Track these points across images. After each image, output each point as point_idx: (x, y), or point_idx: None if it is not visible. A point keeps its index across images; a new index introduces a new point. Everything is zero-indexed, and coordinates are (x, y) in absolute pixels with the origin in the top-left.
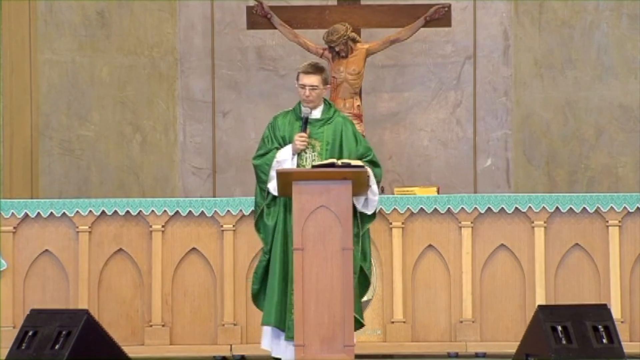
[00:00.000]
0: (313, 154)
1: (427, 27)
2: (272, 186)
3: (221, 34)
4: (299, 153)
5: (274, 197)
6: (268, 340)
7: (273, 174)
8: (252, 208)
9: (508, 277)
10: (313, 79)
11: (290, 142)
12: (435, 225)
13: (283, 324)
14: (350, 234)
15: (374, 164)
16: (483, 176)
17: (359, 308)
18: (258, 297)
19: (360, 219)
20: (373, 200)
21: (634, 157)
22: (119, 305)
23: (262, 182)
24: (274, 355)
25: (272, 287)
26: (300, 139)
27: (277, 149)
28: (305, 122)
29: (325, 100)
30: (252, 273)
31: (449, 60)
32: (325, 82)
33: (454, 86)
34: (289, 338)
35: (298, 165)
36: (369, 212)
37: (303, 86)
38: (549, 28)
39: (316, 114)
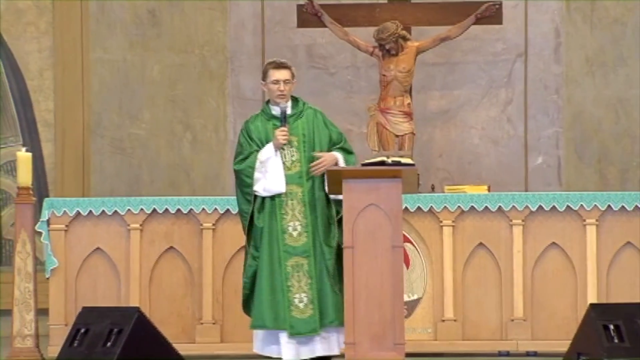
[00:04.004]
0: (291, 149)
1: (478, 24)
2: (261, 187)
3: (271, 32)
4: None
5: (262, 200)
6: (260, 343)
7: (258, 175)
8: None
9: (559, 276)
10: (285, 73)
11: (267, 143)
12: (486, 223)
13: (278, 323)
14: (401, 232)
15: (347, 151)
16: (534, 174)
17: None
18: (248, 302)
19: (335, 203)
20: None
21: None
22: (170, 303)
23: (246, 186)
24: (270, 355)
25: (261, 290)
26: (281, 133)
27: (257, 151)
28: (284, 116)
29: (292, 95)
30: (243, 280)
31: (499, 58)
32: (293, 76)
33: (504, 84)
34: (294, 335)
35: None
36: (341, 198)
37: (276, 81)
38: (601, 25)
39: (287, 110)
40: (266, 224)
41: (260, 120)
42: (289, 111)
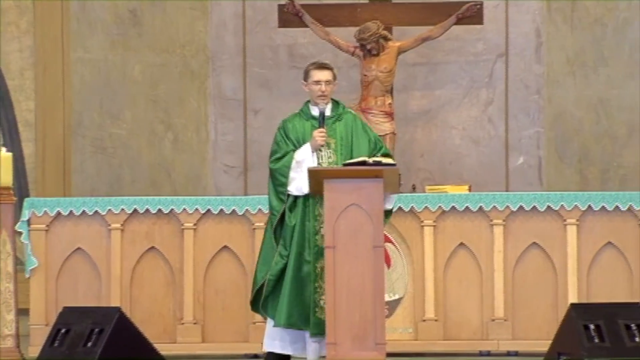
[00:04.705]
0: (329, 151)
1: (459, 24)
2: (295, 187)
3: (253, 32)
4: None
5: (295, 199)
6: (274, 341)
7: (294, 175)
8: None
9: (540, 276)
10: (327, 74)
11: (304, 143)
12: (467, 223)
13: (303, 323)
14: (382, 232)
15: (389, 157)
16: (515, 174)
17: None
18: (267, 300)
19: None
20: (392, 196)
21: None
22: (151, 303)
23: (280, 185)
24: (292, 354)
25: (288, 289)
26: (320, 134)
27: (294, 150)
28: (323, 117)
29: (332, 98)
30: (261, 276)
31: (480, 58)
32: (335, 77)
33: (485, 84)
34: (315, 335)
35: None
36: (389, 207)
37: (318, 82)
38: (581, 26)
39: (326, 111)
40: (298, 223)
41: (298, 120)
42: (328, 113)
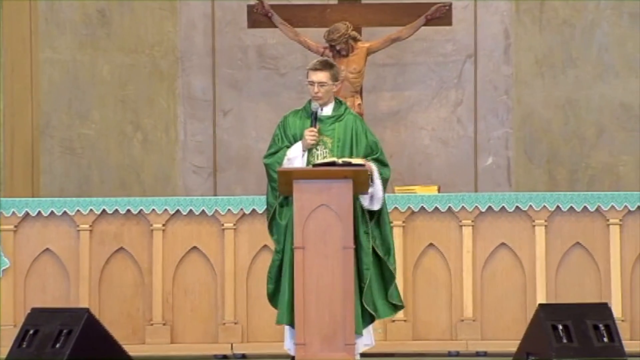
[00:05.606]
0: (325, 150)
1: (428, 25)
2: None
3: (222, 32)
4: (310, 150)
5: (286, 196)
6: (287, 341)
7: None
8: (265, 207)
9: (509, 276)
10: (321, 76)
11: (301, 140)
12: (436, 224)
13: None
14: (351, 233)
15: (381, 162)
16: (484, 175)
17: (370, 299)
18: (274, 297)
19: (369, 215)
20: (378, 198)
21: (635, 155)
22: (120, 303)
23: (273, 181)
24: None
25: (284, 286)
26: (310, 134)
27: (288, 147)
28: (315, 117)
29: (336, 98)
30: (267, 273)
31: (449, 59)
32: (334, 78)
33: (454, 85)
34: None
35: (308, 162)
36: (375, 209)
37: (312, 83)
38: (550, 27)
39: (327, 110)
40: (291, 221)
41: (299, 116)
42: (329, 112)
